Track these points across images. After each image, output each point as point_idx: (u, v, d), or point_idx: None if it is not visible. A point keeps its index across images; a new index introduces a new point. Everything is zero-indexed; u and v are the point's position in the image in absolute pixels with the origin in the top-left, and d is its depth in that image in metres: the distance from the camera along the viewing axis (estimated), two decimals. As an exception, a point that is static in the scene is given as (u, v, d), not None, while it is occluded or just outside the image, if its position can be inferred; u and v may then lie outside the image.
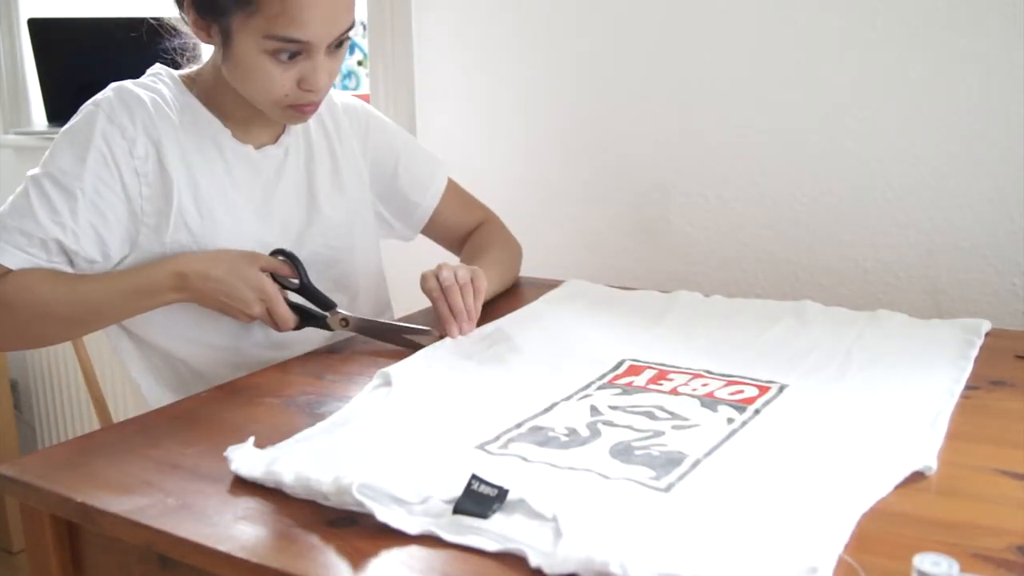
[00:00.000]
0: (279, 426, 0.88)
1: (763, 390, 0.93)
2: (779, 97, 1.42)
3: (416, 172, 1.35)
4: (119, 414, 1.81)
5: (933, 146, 1.32)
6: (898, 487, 0.72)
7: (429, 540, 0.66)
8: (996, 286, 1.31)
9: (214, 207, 1.13)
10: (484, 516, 0.66)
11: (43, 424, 2.54)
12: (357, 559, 0.65)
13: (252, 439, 0.80)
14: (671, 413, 0.88)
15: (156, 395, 1.19)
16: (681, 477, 0.73)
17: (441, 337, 1.10)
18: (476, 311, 1.11)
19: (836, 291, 1.42)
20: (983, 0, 1.25)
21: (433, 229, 1.39)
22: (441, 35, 1.74)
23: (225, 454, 0.78)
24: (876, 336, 1.07)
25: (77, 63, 2.25)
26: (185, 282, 1.07)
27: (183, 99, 1.14)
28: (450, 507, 0.68)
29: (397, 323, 1.13)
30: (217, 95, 1.13)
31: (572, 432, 0.83)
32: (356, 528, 0.68)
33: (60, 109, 2.27)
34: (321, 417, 0.90)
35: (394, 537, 0.66)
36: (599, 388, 0.95)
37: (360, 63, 2.23)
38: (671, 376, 0.98)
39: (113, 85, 1.12)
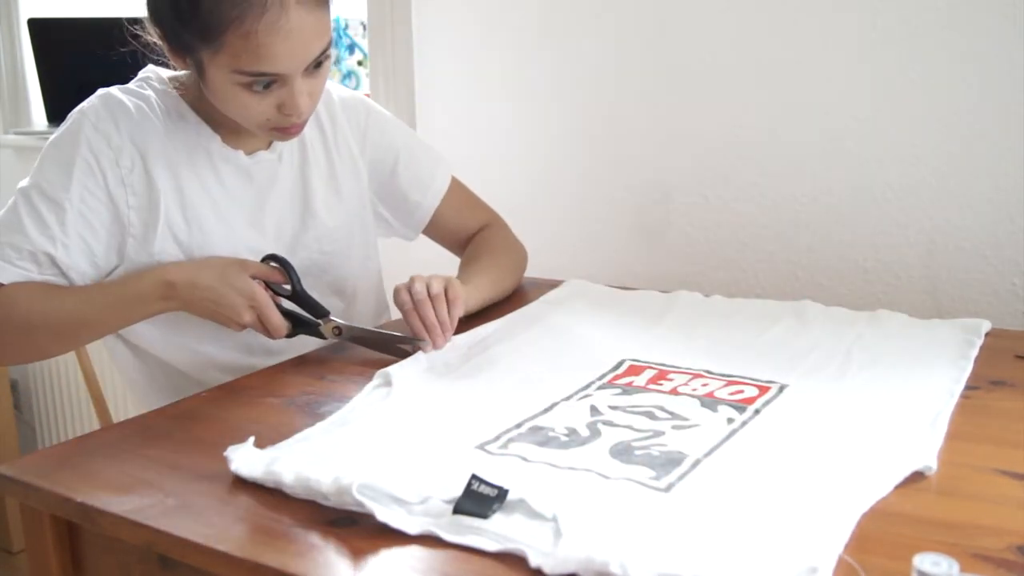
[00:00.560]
0: (279, 426, 0.88)
1: (763, 390, 0.93)
2: (779, 97, 1.42)
3: (417, 171, 1.32)
4: (119, 414, 1.81)
5: (933, 146, 1.32)
6: (898, 487, 0.72)
7: (429, 540, 0.66)
8: (996, 286, 1.31)
9: (202, 216, 1.11)
10: (484, 516, 0.66)
11: (43, 424, 2.54)
12: (357, 559, 0.65)
13: (252, 439, 0.80)
14: (671, 413, 0.88)
15: (152, 401, 1.18)
16: (681, 477, 0.73)
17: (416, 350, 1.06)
18: (452, 322, 1.08)
19: (836, 291, 1.42)
20: (983, 0, 1.25)
21: (434, 230, 1.36)
22: (441, 35, 1.73)
23: (225, 454, 0.78)
24: (876, 336, 1.07)
25: (77, 63, 2.24)
26: (173, 291, 1.05)
27: (172, 104, 1.12)
28: (450, 507, 0.68)
29: (391, 332, 1.10)
30: (205, 102, 1.11)
31: (572, 432, 0.83)
32: (356, 528, 0.68)
33: (60, 109, 2.25)
34: (321, 417, 0.89)
35: (394, 537, 0.66)
36: (599, 388, 0.95)
37: (360, 63, 2.23)
38: (671, 376, 0.98)
39: (100, 92, 1.11)
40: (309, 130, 1.22)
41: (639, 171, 1.57)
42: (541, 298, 1.28)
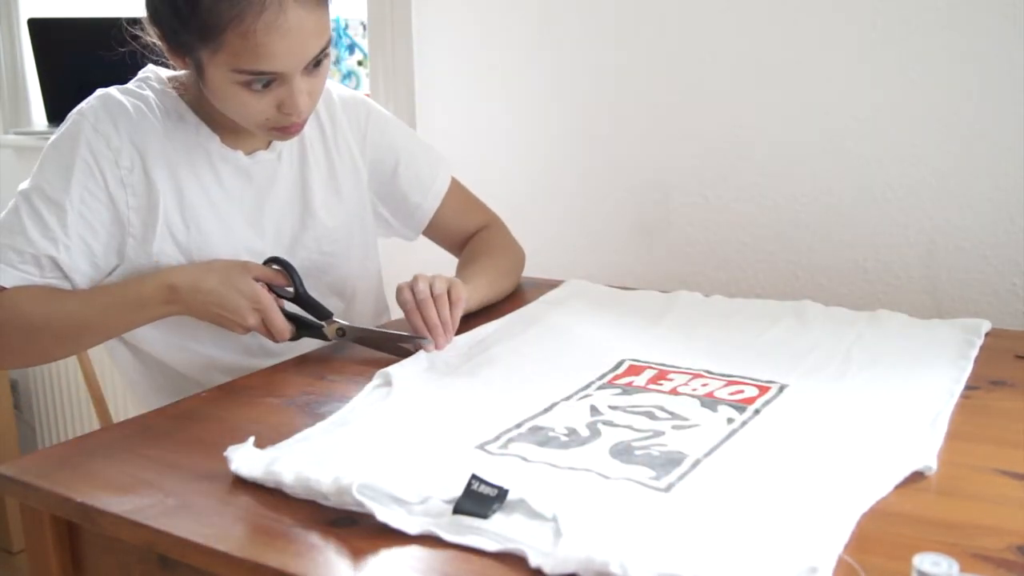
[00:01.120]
0: (279, 426, 0.88)
1: (763, 390, 0.93)
2: (779, 97, 1.42)
3: (417, 172, 1.32)
4: (119, 414, 1.81)
5: (933, 146, 1.32)
6: (898, 487, 0.72)
7: (429, 540, 0.66)
8: (996, 286, 1.31)
9: (201, 217, 1.11)
10: (484, 516, 0.66)
11: (43, 424, 2.54)
12: (357, 559, 0.65)
13: (252, 439, 0.80)
14: (671, 413, 0.88)
15: (153, 401, 1.18)
16: (681, 477, 0.73)
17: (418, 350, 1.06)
18: (454, 323, 1.08)
19: (836, 291, 1.42)
20: (983, 0, 1.25)
21: (434, 231, 1.36)
22: (441, 35, 1.73)
23: (225, 454, 0.78)
24: (876, 336, 1.07)
25: (77, 63, 2.24)
26: (176, 295, 1.05)
27: (171, 105, 1.12)
28: (450, 507, 0.68)
29: (394, 332, 1.10)
30: (205, 102, 1.10)
31: (572, 432, 0.83)
32: (356, 528, 0.68)
33: (60, 109, 2.25)
34: (321, 417, 0.89)
35: (394, 537, 0.66)
36: (599, 388, 0.95)
37: (360, 63, 2.23)
38: (671, 376, 0.98)
39: (99, 92, 1.11)
40: (309, 130, 1.22)
41: (639, 171, 1.57)
42: (541, 298, 1.28)
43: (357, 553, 0.65)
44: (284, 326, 1.07)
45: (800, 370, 0.98)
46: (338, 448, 0.81)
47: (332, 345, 1.15)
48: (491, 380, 0.99)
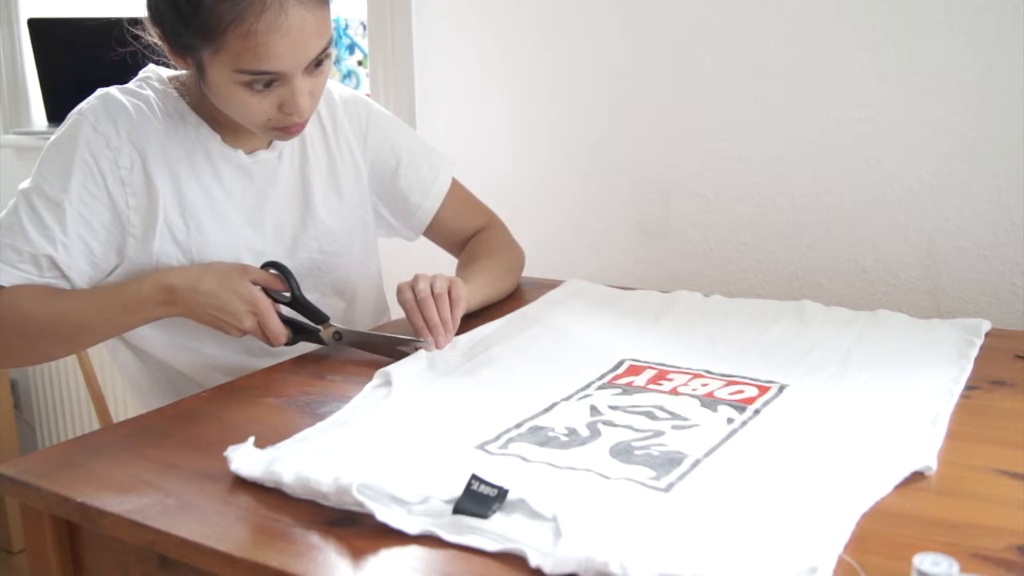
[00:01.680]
0: (279, 426, 0.88)
1: (763, 390, 0.93)
2: (779, 97, 1.42)
3: (418, 172, 1.32)
4: (119, 414, 1.81)
5: (933, 146, 1.32)
6: (898, 487, 0.72)
7: (429, 540, 0.66)
8: (996, 286, 1.31)
9: (201, 216, 1.11)
10: (484, 516, 0.66)
11: (43, 424, 2.55)
12: (357, 559, 0.65)
13: (252, 439, 0.80)
14: (671, 413, 0.88)
15: (153, 401, 1.18)
16: (681, 477, 0.73)
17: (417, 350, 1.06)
18: (455, 322, 1.08)
19: (836, 291, 1.42)
20: (983, 0, 1.25)
21: (434, 231, 1.36)
22: (441, 35, 1.73)
23: (225, 454, 0.78)
24: (876, 336, 1.07)
25: (77, 63, 2.25)
26: (174, 296, 1.05)
27: (172, 104, 1.12)
28: (450, 507, 0.68)
29: (392, 335, 1.10)
30: (205, 102, 1.11)
31: (572, 432, 0.83)
32: (356, 528, 0.68)
33: (60, 109, 2.26)
34: (321, 417, 0.89)
35: (394, 537, 0.66)
36: (599, 388, 0.95)
37: (360, 63, 2.23)
38: (671, 376, 0.98)
39: (99, 92, 1.11)
40: (310, 129, 1.22)
41: (639, 171, 1.57)
42: (541, 298, 1.28)
43: (357, 553, 0.65)
44: (280, 330, 1.07)
45: (800, 370, 0.98)
46: (338, 448, 0.81)
47: (332, 344, 1.15)
48: (491, 380, 0.99)
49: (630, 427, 0.84)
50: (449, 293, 1.08)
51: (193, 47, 1.00)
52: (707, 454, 0.78)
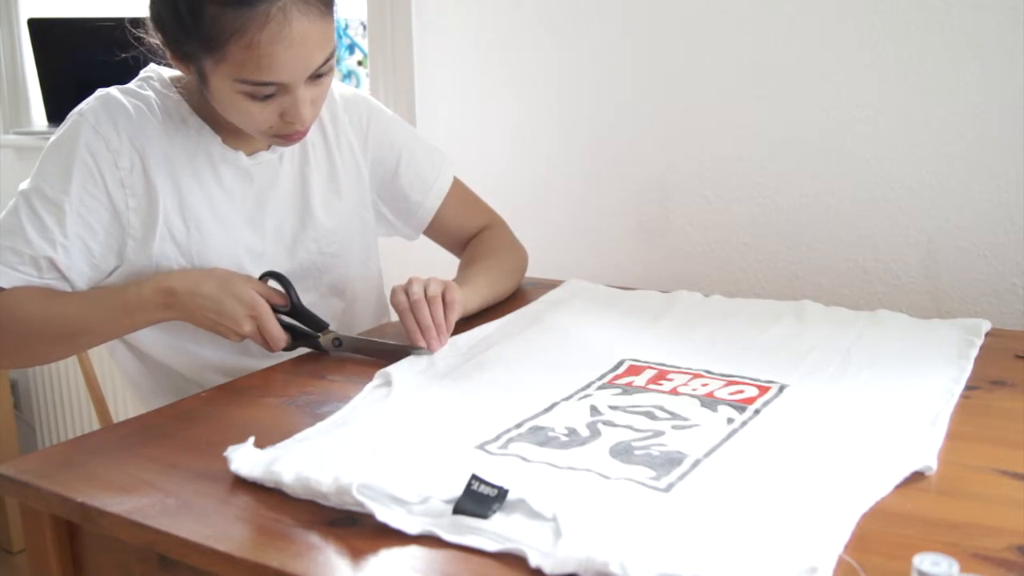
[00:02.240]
0: (279, 426, 0.88)
1: (763, 390, 0.93)
2: (779, 97, 1.42)
3: (419, 170, 1.31)
4: (119, 414, 1.81)
5: (933, 146, 1.32)
6: (898, 487, 0.72)
7: (429, 540, 0.66)
8: (996, 286, 1.31)
9: (201, 217, 1.11)
10: (484, 516, 0.66)
11: (43, 424, 2.55)
12: (357, 559, 0.65)
13: (252, 439, 0.80)
14: (671, 413, 0.88)
15: (153, 401, 1.18)
16: (681, 477, 0.73)
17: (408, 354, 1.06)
18: (448, 325, 1.08)
19: (836, 291, 1.42)
20: (983, 0, 1.25)
21: (435, 230, 1.36)
22: (441, 35, 1.73)
23: (225, 454, 0.78)
24: (876, 336, 1.07)
25: (77, 63, 2.25)
26: (174, 299, 1.04)
27: (172, 105, 1.12)
28: (450, 507, 0.68)
29: (391, 342, 1.09)
30: (207, 104, 1.10)
31: (572, 432, 0.83)
32: (356, 528, 0.68)
33: (60, 109, 2.25)
34: (321, 417, 0.89)
35: (394, 537, 0.66)
36: (599, 388, 0.95)
37: (360, 63, 2.23)
38: (671, 376, 0.98)
39: (99, 92, 1.10)
40: (311, 129, 1.22)
41: (639, 171, 1.57)
42: (541, 298, 1.28)
43: (357, 553, 0.65)
44: (279, 334, 1.07)
45: (800, 370, 0.98)
46: (338, 448, 0.81)
47: (331, 346, 1.15)
48: (491, 380, 0.99)
49: (630, 427, 0.84)
50: (443, 297, 1.08)
51: (195, 56, 1.00)
52: (707, 454, 0.78)
